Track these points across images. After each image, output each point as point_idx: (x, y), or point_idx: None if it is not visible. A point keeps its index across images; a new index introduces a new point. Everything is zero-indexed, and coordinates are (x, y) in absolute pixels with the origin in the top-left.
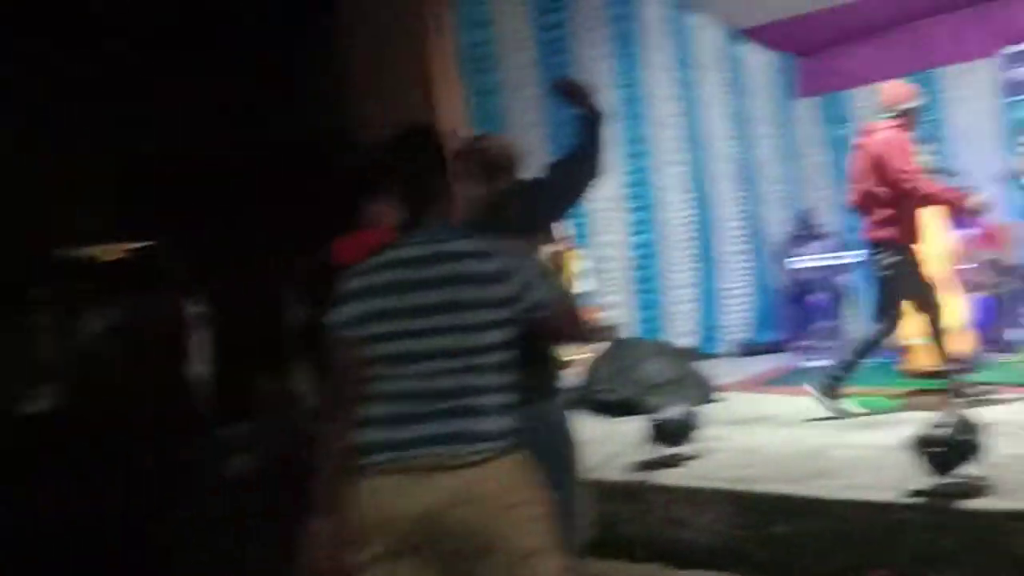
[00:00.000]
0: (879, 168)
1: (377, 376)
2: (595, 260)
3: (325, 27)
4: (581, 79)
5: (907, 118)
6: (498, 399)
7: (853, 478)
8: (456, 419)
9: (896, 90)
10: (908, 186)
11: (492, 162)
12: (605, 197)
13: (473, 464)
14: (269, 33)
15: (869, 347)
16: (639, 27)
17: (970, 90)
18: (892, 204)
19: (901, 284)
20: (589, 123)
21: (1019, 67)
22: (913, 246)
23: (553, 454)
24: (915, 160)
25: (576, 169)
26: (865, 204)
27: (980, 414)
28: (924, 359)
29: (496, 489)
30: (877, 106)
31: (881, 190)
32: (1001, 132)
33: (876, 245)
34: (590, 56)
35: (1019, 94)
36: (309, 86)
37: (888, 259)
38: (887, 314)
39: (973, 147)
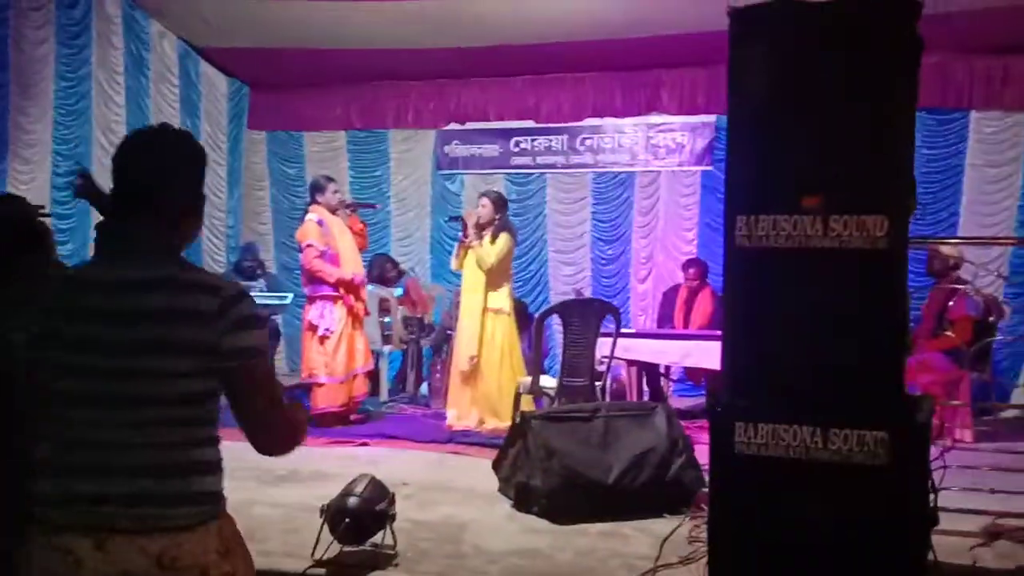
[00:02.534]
0: None
1: (51, 415)
2: None
3: None
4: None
5: None
6: (195, 456)
7: (266, 542)
8: (140, 478)
9: None
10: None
11: None
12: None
13: (167, 530)
14: None
15: None
16: (92, 20)
17: (411, 155)
18: None
19: None
20: None
21: (452, 144)
22: None
23: None
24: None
25: None
26: None
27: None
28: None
29: (196, 559)
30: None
31: None
32: (433, 199)
33: None
34: (33, 38)
35: (450, 168)
36: None
37: None
38: None
39: (409, 208)
